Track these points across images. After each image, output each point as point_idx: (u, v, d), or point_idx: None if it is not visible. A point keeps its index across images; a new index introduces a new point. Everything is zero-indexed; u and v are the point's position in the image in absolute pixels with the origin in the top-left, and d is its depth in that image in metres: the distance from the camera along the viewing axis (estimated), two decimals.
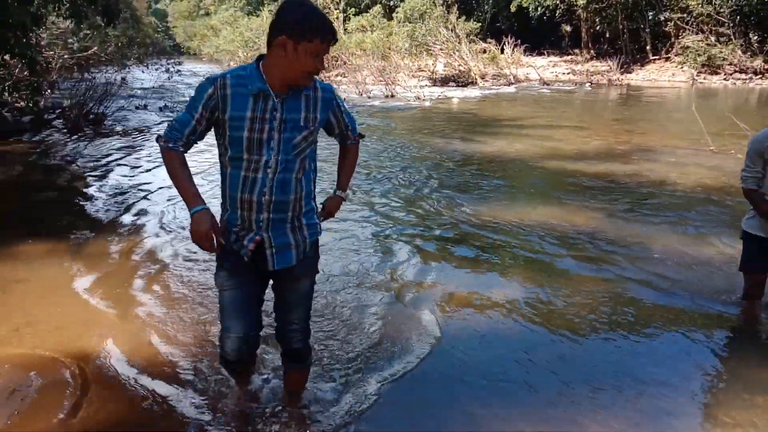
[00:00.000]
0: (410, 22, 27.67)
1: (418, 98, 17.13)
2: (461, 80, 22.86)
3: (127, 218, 5.40)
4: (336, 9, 32.70)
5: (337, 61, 25.02)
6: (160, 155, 2.06)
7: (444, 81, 22.92)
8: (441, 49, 23.90)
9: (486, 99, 18.00)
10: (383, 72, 20.47)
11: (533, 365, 2.92)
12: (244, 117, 1.92)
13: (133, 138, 10.06)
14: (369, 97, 17.71)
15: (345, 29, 31.61)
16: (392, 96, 18.03)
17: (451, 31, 24.34)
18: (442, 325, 3.31)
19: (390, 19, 31.27)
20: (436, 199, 6.08)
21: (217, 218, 2.05)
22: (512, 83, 23.05)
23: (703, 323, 3.36)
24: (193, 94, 1.98)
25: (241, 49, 35.57)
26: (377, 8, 33.00)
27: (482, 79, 23.11)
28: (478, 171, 7.58)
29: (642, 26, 27.36)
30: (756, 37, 23.84)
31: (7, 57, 8.88)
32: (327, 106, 2.07)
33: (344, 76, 22.00)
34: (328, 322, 3.31)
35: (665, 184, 6.76)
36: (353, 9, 34.85)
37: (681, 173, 7.27)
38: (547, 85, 22.88)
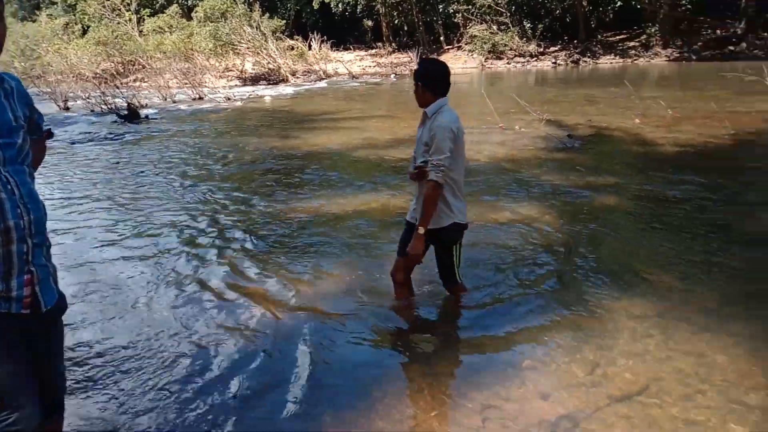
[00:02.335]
0: (211, 22, 26.64)
1: (229, 99, 16.64)
2: (272, 78, 22.68)
3: None
4: (127, 10, 30.27)
5: (134, 65, 23.25)
6: None
7: (255, 80, 22.55)
8: (248, 48, 23.44)
9: (299, 95, 18.07)
10: (188, 74, 19.49)
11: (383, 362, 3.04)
12: None
13: None
14: (174, 102, 16.77)
15: (140, 31, 29.44)
16: (200, 98, 17.28)
17: (256, 29, 23.96)
18: (280, 326, 3.28)
19: (189, 19, 29.81)
20: (260, 197, 5.98)
21: None
22: (323, 78, 23.45)
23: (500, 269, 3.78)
24: None
25: (17, 59, 31.28)
26: (174, 8, 31.28)
27: (293, 76, 23.18)
28: (297, 166, 7.61)
29: (435, 19, 29.56)
30: (529, 25, 27.16)
31: None
32: (23, 97, 1.74)
33: (144, 81, 20.53)
34: (169, 336, 3.10)
35: (468, 161, 7.40)
36: (147, 10, 32.57)
37: (478, 150, 8.03)
38: (356, 78, 23.69)
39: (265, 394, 2.66)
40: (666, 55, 24.37)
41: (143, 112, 13.83)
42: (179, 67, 20.54)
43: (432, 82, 2.98)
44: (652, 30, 25.34)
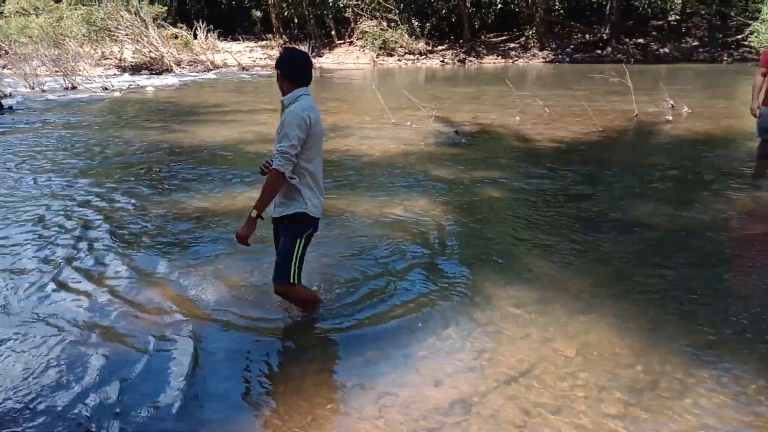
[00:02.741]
0: (84, 5, 24.57)
1: (106, 88, 15.47)
2: (155, 68, 21.40)
3: None
4: None
5: None
6: None
7: (136, 69, 21.15)
8: (126, 35, 21.92)
9: (185, 87, 17.21)
10: (59, 61, 17.84)
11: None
12: None
13: None
14: (43, 91, 15.29)
15: (1, 13, 26.53)
16: (73, 87, 15.91)
17: (135, 14, 22.44)
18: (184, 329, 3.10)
19: (58, 1, 27.28)
20: (137, 196, 5.62)
21: None
22: (211, 70, 22.50)
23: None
24: None
25: None
26: None
27: (178, 66, 22.02)
28: (177, 160, 7.23)
29: (326, 12, 29.38)
30: (417, 23, 27.84)
31: None
32: None
33: (7, 68, 18.55)
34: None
35: (360, 157, 7.45)
36: None
37: (370, 146, 8.11)
38: (246, 70, 22.98)
39: (145, 397, 2.51)
40: (543, 57, 26.06)
41: (6, 102, 12.48)
42: (48, 54, 18.73)
43: (290, 70, 2.91)
44: (530, 33, 26.99)
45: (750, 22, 22.71)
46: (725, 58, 23.54)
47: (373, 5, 27.16)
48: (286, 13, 30.46)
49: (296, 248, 2.97)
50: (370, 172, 6.63)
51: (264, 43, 30.96)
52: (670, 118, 9.71)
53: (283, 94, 2.95)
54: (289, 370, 2.77)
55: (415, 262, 4.00)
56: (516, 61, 25.98)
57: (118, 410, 2.45)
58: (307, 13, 29.17)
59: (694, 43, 26.01)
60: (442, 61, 26.25)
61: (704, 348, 2.86)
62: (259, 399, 2.56)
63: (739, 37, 23.87)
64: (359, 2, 27.68)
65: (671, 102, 10.41)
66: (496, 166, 6.84)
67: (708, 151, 7.42)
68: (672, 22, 27.51)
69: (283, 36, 30.93)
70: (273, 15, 30.69)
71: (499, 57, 26.59)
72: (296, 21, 31.22)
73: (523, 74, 20.76)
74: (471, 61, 26.16)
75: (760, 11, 21.96)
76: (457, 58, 26.48)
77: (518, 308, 3.32)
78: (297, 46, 26.93)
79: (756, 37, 21.08)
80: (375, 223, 4.77)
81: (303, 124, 2.80)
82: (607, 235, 4.50)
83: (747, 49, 23.29)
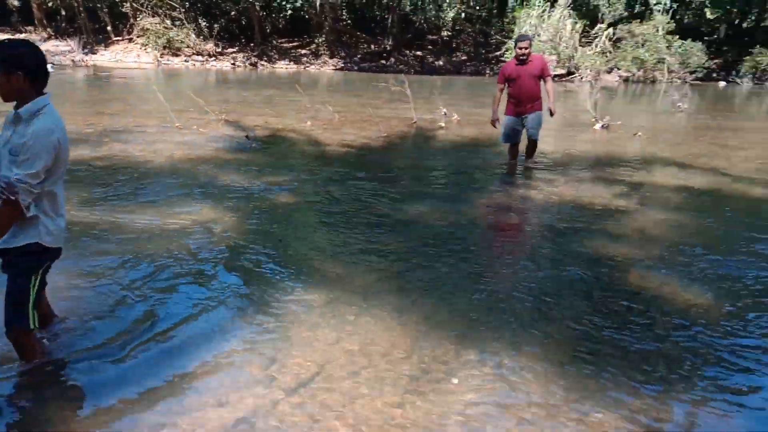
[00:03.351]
0: None
1: None
2: None
3: None
4: None
5: None
6: None
7: None
8: None
9: None
10: None
11: None
12: None
13: None
14: None
15: None
16: None
17: None
18: None
19: None
20: None
21: None
22: None
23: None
24: None
25: None
26: None
27: None
28: None
29: (99, 6, 26.60)
30: (205, 23, 26.72)
31: None
32: None
33: None
34: None
35: (141, 163, 6.87)
36: None
37: (153, 151, 7.53)
38: None
39: None
40: (333, 64, 26.96)
41: None
42: None
43: (33, 66, 2.29)
44: (320, 40, 27.72)
45: (506, 41, 26.26)
46: (488, 72, 26.85)
47: (154, 1, 25.35)
48: (50, 4, 26.83)
49: (31, 287, 2.43)
50: (152, 180, 6.15)
51: (24, 36, 26.90)
52: (444, 124, 10.75)
53: (9, 99, 2.32)
54: (49, 417, 2.42)
55: (195, 276, 3.79)
56: (308, 67, 26.46)
57: None
58: (76, 5, 26.05)
59: (462, 58, 29.25)
60: (233, 64, 25.62)
61: (469, 330, 3.20)
62: None
63: (498, 53, 27.43)
64: None
65: (444, 110, 11.53)
66: (288, 170, 6.86)
67: (474, 154, 8.36)
68: (444, 38, 30.56)
69: (48, 29, 27.23)
70: (35, 5, 26.82)
71: (292, 62, 26.83)
72: (64, 13, 27.71)
73: (315, 80, 21.21)
74: (263, 65, 25.96)
75: (513, 31, 25.51)
76: (249, 61, 26.07)
77: (308, 311, 3.35)
78: (66, 41, 23.97)
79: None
80: (152, 237, 4.42)
81: (52, 151, 2.29)
82: (390, 234, 4.79)
83: (504, 64, 26.90)
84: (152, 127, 9.23)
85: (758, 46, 26.34)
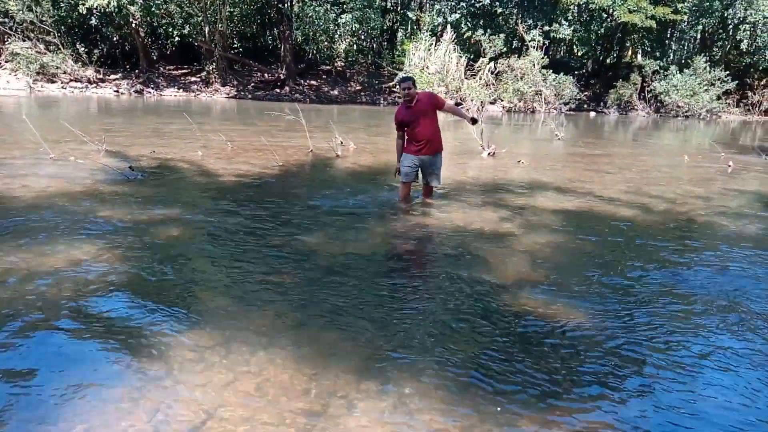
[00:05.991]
0: None
1: None
2: None
3: None
4: None
5: None
6: None
7: None
8: None
9: None
10: None
11: None
12: None
13: None
14: None
15: None
16: None
17: None
18: None
19: None
20: None
21: None
22: None
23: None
24: None
25: None
26: None
27: None
28: None
29: None
30: (84, 49, 25.17)
31: None
32: None
33: None
34: None
35: (6, 199, 6.24)
36: None
37: (22, 185, 6.88)
38: None
39: None
40: (225, 92, 26.39)
41: None
42: None
43: None
44: (211, 68, 27.07)
45: (397, 71, 27.14)
46: (382, 102, 27.54)
47: (24, 25, 23.55)
48: None
49: None
50: (22, 217, 5.59)
51: None
52: (339, 153, 10.81)
53: None
54: None
55: (69, 322, 3.46)
56: (198, 95, 25.69)
57: None
58: None
59: (357, 88, 29.80)
60: (117, 91, 24.30)
61: (369, 361, 3.16)
62: None
63: (390, 84, 28.27)
64: (6, 20, 23.71)
65: (340, 139, 11.61)
66: (177, 202, 6.53)
67: (370, 182, 8.46)
68: (338, 68, 31.03)
69: None
70: None
71: (181, 90, 25.94)
72: None
73: (206, 108, 20.60)
74: (150, 92, 24.86)
75: (403, 63, 26.45)
76: (134, 88, 24.87)
77: (199, 353, 3.15)
78: None
79: None
80: (18, 282, 3.99)
81: None
82: (287, 266, 4.67)
83: (397, 95, 27.74)
84: (22, 159, 8.46)
85: (621, 80, 29.37)
